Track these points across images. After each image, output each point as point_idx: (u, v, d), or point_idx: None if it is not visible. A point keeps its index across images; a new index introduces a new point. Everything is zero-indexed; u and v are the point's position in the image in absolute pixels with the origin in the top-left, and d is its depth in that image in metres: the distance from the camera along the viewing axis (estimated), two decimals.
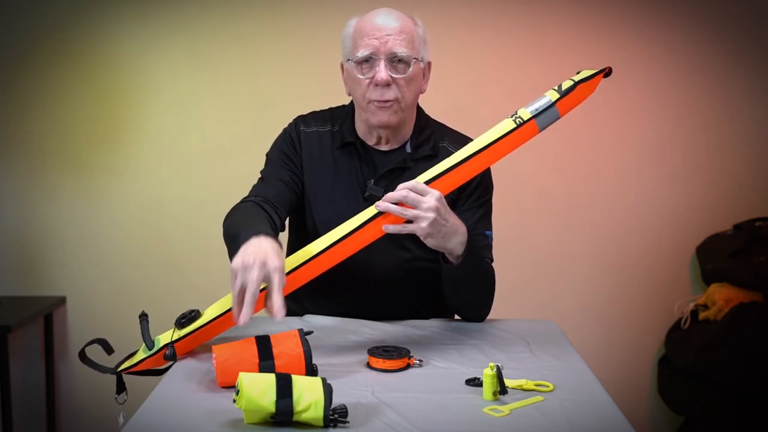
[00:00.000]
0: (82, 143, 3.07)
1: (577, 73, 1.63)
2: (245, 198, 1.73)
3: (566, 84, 1.61)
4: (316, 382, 1.21)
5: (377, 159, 1.80)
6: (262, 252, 1.35)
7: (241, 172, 3.06)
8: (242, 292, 1.33)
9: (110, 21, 3.04)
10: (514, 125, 1.60)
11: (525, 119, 1.60)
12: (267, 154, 1.87)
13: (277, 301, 1.32)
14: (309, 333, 1.42)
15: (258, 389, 1.19)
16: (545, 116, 1.60)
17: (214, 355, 1.37)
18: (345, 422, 1.20)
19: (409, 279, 1.80)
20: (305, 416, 1.19)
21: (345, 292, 1.79)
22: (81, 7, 3.02)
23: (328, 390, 1.21)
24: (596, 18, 3.12)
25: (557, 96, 1.60)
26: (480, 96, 3.06)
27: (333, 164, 1.81)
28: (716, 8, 3.12)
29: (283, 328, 1.69)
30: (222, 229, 1.62)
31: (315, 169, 1.81)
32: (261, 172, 1.83)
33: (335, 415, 1.20)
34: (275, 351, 1.36)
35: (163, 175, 3.10)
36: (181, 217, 3.10)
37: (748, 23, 3.14)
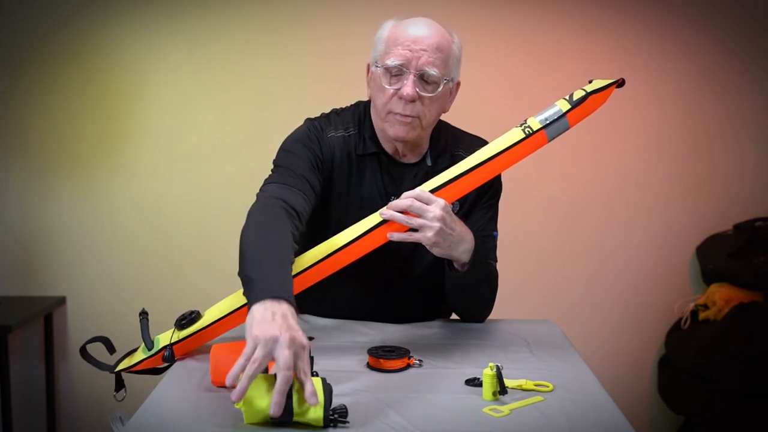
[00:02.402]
0: (82, 143, 3.07)
1: (590, 82, 1.61)
2: (270, 194, 1.56)
3: (578, 94, 1.58)
4: (316, 383, 1.21)
5: (399, 171, 1.76)
6: (286, 326, 1.21)
7: (241, 172, 3.10)
8: (257, 364, 1.17)
9: (110, 21, 3.04)
10: (524, 135, 1.58)
11: (535, 129, 1.57)
12: (285, 147, 1.73)
13: (309, 386, 1.18)
14: (310, 339, 1.40)
15: (258, 391, 1.19)
16: (555, 127, 1.58)
17: (211, 353, 1.37)
18: (345, 422, 1.20)
19: (411, 283, 1.80)
20: (305, 417, 1.19)
21: (345, 293, 1.79)
22: (81, 7, 3.02)
23: (328, 390, 1.20)
24: (597, 19, 3.12)
25: (568, 107, 1.57)
26: (479, 96, 3.06)
27: (354, 172, 1.74)
28: (716, 8, 3.12)
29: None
30: (241, 237, 1.46)
31: (336, 176, 1.74)
32: (278, 162, 1.70)
33: (335, 415, 1.20)
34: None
35: (163, 175, 3.10)
36: (181, 217, 3.10)
37: (748, 23, 3.14)
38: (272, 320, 1.21)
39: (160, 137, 3.09)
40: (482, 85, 3.08)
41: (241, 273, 1.37)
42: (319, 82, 3.04)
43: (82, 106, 3.06)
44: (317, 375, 1.36)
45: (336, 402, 1.22)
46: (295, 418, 1.19)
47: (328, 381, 1.23)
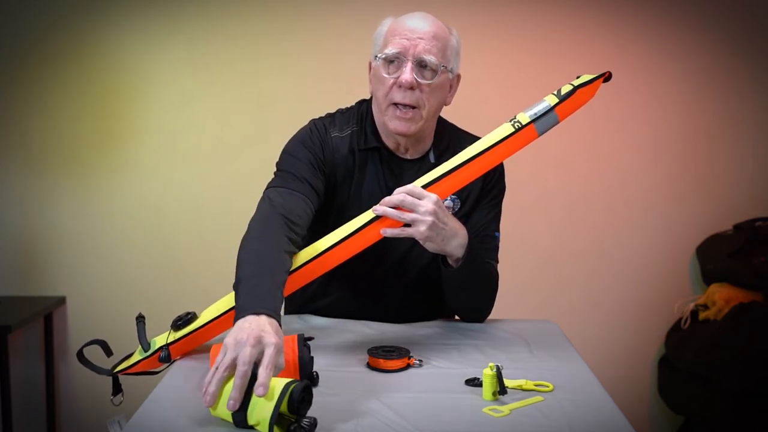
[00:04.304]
0: (82, 143, 3.07)
1: (577, 77, 1.63)
2: (271, 204, 1.58)
3: (565, 88, 1.60)
4: (275, 383, 1.17)
5: (401, 167, 1.77)
6: (258, 329, 1.24)
7: (241, 172, 3.10)
8: (224, 368, 1.20)
9: (110, 21, 3.04)
10: (513, 129, 1.59)
11: (524, 124, 1.59)
12: (287, 150, 1.75)
13: (262, 375, 1.17)
14: (310, 339, 1.40)
15: (220, 400, 1.19)
16: (544, 121, 1.59)
17: (211, 353, 1.37)
18: None
19: (411, 282, 1.80)
20: (252, 419, 1.17)
21: (345, 293, 1.79)
22: (81, 7, 3.02)
23: (279, 405, 1.15)
24: (596, 18, 3.12)
25: (556, 101, 1.59)
26: (479, 96, 3.06)
27: (357, 168, 1.76)
28: (716, 8, 3.12)
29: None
30: (240, 245, 1.48)
31: (339, 174, 1.75)
32: (280, 165, 1.72)
33: (295, 424, 1.16)
34: None
35: (163, 175, 3.10)
36: (181, 216, 3.10)
37: (748, 23, 3.14)
38: (246, 328, 1.24)
39: (160, 137, 3.09)
40: (482, 85, 3.08)
41: (234, 286, 1.41)
42: (319, 82, 3.04)
43: (82, 106, 3.06)
44: (316, 375, 1.36)
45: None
46: (249, 422, 1.17)
47: (311, 385, 1.20)
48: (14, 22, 3.01)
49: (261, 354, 1.21)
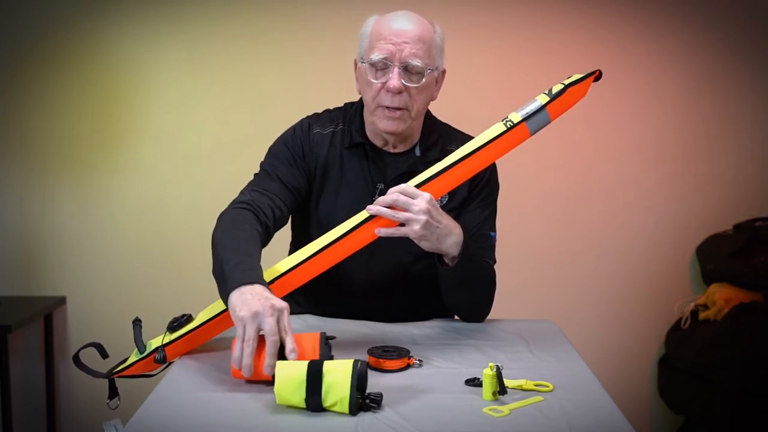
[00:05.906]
0: (82, 143, 3.07)
1: (569, 77, 1.63)
2: (240, 200, 1.69)
3: (556, 88, 1.61)
4: (344, 377, 1.22)
5: (386, 161, 1.79)
6: (262, 297, 1.35)
7: (241, 172, 3.05)
8: (252, 341, 1.31)
9: (110, 21, 3.04)
10: (505, 128, 1.60)
11: (515, 122, 1.60)
12: (271, 148, 1.83)
13: (289, 343, 1.32)
14: (332, 338, 1.42)
15: (289, 389, 1.23)
16: (536, 120, 1.60)
17: (233, 342, 1.37)
18: (376, 408, 1.25)
19: (410, 281, 1.80)
20: (334, 410, 1.23)
21: (344, 293, 1.79)
22: (81, 7, 3.02)
23: (355, 383, 1.22)
24: (596, 18, 3.12)
25: (547, 99, 1.60)
26: (479, 96, 3.06)
27: (341, 165, 1.79)
28: (716, 8, 3.12)
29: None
30: (212, 239, 1.59)
31: (324, 171, 1.79)
32: (261, 164, 1.81)
33: (368, 400, 1.25)
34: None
35: (163, 175, 3.10)
36: (181, 216, 3.10)
37: (748, 23, 3.14)
38: (250, 299, 1.35)
39: (160, 137, 3.09)
40: (482, 85, 3.08)
41: (215, 272, 1.49)
42: (319, 82, 3.05)
43: (82, 106, 3.06)
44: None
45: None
46: (326, 407, 1.23)
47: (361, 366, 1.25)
48: (14, 22, 3.01)
49: (279, 320, 1.32)
